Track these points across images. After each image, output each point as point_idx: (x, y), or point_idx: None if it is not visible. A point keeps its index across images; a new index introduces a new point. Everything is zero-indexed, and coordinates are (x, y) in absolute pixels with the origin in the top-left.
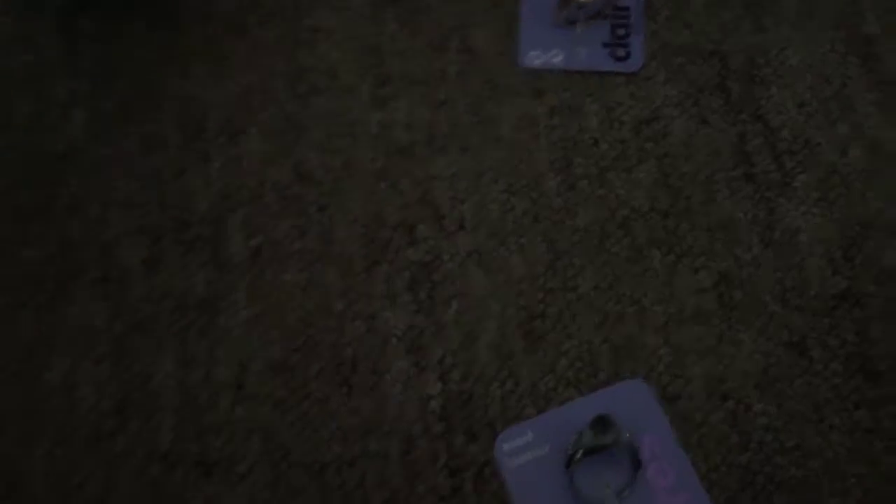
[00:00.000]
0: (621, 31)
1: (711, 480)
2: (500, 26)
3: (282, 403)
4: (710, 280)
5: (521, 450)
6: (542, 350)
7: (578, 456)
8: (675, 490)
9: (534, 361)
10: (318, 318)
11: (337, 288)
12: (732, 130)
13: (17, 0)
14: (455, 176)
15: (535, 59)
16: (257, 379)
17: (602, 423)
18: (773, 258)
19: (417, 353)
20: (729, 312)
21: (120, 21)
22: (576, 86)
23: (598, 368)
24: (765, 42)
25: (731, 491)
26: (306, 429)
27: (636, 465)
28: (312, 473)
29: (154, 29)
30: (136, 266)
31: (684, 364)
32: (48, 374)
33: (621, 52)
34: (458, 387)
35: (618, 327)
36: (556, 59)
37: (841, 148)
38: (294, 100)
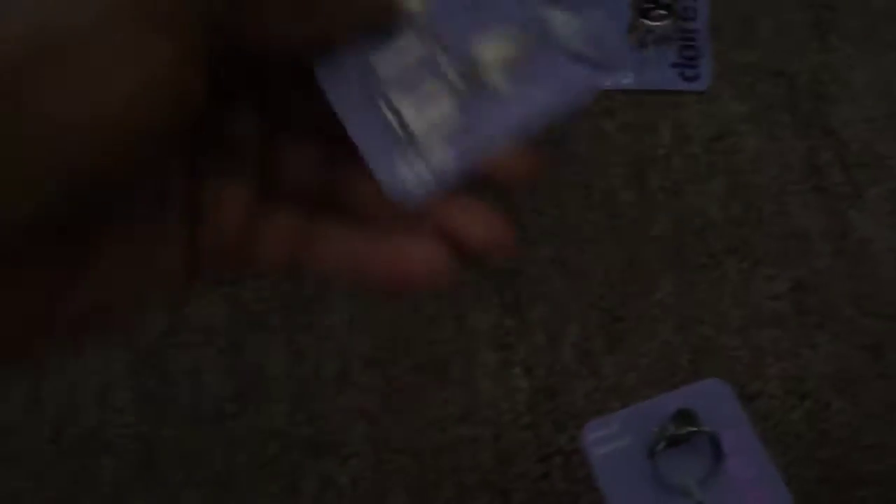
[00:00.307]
0: (689, 52)
1: (790, 474)
2: None
3: (382, 394)
4: (784, 286)
5: (607, 440)
6: (624, 350)
7: (661, 446)
8: (756, 482)
9: (615, 361)
10: (412, 319)
11: (428, 292)
12: (802, 145)
13: None
14: (535, 191)
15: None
16: (359, 372)
17: (684, 415)
18: (845, 267)
19: (504, 350)
20: (804, 317)
21: None
22: (646, 104)
23: (678, 368)
24: (831, 61)
25: (810, 484)
26: (404, 417)
27: (718, 456)
28: (411, 457)
29: None
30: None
31: (762, 365)
32: (175, 364)
33: (690, 73)
34: (544, 382)
35: (696, 329)
36: (626, 80)
37: None
38: None
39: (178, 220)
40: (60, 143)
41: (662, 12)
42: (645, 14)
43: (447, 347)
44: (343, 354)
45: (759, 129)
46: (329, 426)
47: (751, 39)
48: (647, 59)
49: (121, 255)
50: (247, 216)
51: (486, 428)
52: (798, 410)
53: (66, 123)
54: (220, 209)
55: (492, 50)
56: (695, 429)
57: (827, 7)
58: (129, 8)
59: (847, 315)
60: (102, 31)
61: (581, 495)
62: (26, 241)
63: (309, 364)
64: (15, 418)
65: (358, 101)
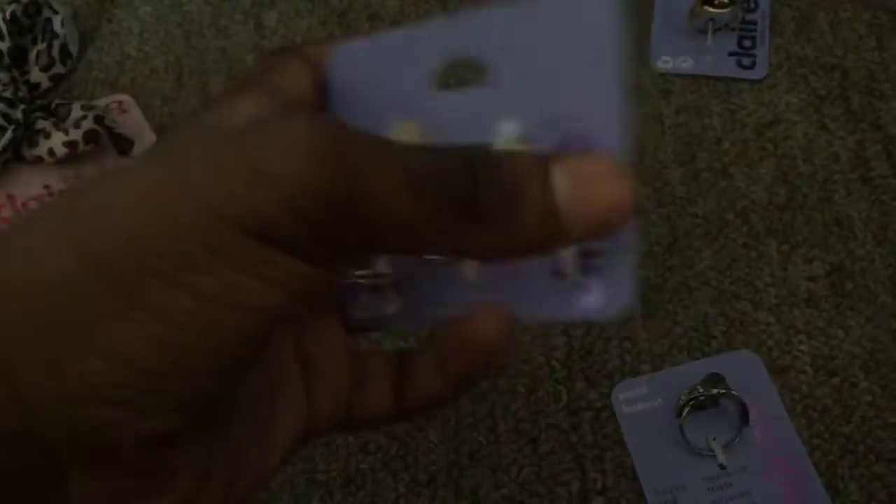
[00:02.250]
0: (747, 43)
1: (813, 445)
2: (635, 34)
3: (423, 340)
4: (822, 269)
5: (636, 400)
6: (660, 318)
7: (689, 406)
8: (779, 450)
9: (651, 326)
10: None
11: None
12: (851, 138)
13: None
14: None
15: (665, 63)
16: None
17: (713, 379)
18: (885, 255)
19: None
20: (840, 300)
21: None
22: (702, 89)
23: (711, 338)
24: (886, 59)
25: (833, 457)
26: None
27: (743, 422)
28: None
29: None
30: None
31: (794, 341)
32: None
33: (747, 61)
34: (581, 342)
35: (732, 304)
36: (685, 64)
37: None
38: None
39: (295, 384)
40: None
41: (725, 1)
42: (708, 2)
43: None
44: None
45: (809, 119)
46: None
47: (809, 33)
48: (706, 46)
49: (247, 436)
50: (352, 361)
51: (521, 380)
52: (825, 386)
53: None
54: (328, 358)
55: None
56: (723, 391)
57: (884, 8)
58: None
59: (882, 301)
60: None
61: (607, 450)
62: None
63: None
64: None
65: None
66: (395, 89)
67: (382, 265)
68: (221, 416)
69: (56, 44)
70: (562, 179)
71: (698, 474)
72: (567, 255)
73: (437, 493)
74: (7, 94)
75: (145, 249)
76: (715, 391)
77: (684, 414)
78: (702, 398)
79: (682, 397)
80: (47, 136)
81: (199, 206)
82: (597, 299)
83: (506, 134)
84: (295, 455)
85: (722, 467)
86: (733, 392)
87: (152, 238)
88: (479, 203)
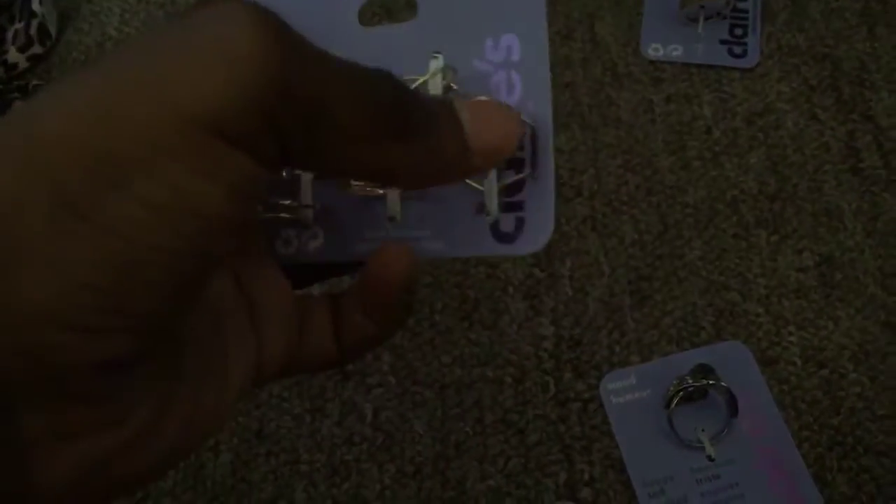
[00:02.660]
0: (739, 31)
1: (802, 437)
2: (625, 20)
3: (410, 329)
4: (812, 260)
5: (624, 391)
6: (649, 307)
7: (678, 397)
8: (767, 442)
9: (640, 317)
10: (446, 262)
11: None
12: (842, 128)
13: None
14: (575, 150)
15: (655, 51)
16: None
17: (703, 370)
18: (875, 246)
19: (533, 300)
20: (829, 291)
21: None
22: (693, 77)
23: (700, 328)
24: (877, 50)
25: (821, 448)
26: (431, 352)
27: (732, 412)
28: (434, 391)
29: None
30: None
31: (783, 332)
32: None
33: (738, 50)
34: (569, 332)
35: (721, 294)
36: (676, 52)
37: None
38: None
39: (247, 329)
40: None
41: None
42: None
43: (477, 293)
44: None
45: (800, 109)
46: None
47: (800, 22)
48: (697, 34)
49: (201, 374)
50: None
51: (509, 370)
52: (815, 378)
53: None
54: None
55: None
56: (712, 381)
57: None
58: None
59: (871, 292)
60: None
61: (595, 441)
62: (118, 375)
63: None
64: None
65: None
66: (323, 24)
67: (306, 196)
68: (175, 348)
69: (34, 23)
70: (464, 115)
71: (686, 466)
72: (490, 192)
73: (423, 485)
74: None
75: (90, 157)
76: (704, 382)
77: (673, 405)
78: (690, 389)
79: (671, 388)
80: None
81: (145, 103)
82: (516, 234)
83: (432, 68)
84: (248, 396)
85: (710, 459)
86: (722, 383)
87: (97, 144)
88: (409, 121)
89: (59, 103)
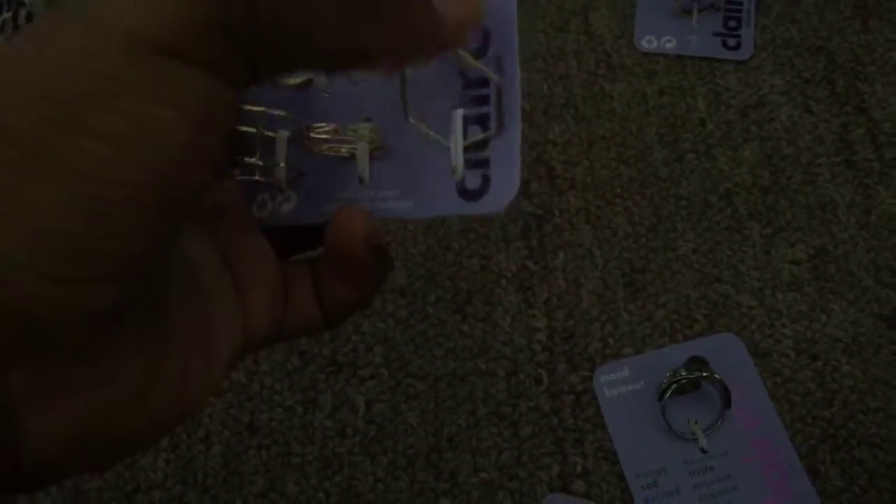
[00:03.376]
0: (733, 23)
1: (795, 429)
2: (618, 12)
3: (403, 322)
4: (805, 253)
5: (618, 383)
6: (642, 300)
7: (671, 390)
8: (760, 434)
9: (633, 309)
10: (439, 254)
11: (456, 229)
12: (836, 121)
13: None
14: (568, 142)
15: (649, 43)
16: (382, 300)
17: (696, 361)
18: (868, 239)
19: (526, 292)
20: (822, 283)
21: None
22: (686, 70)
23: (694, 321)
24: (871, 42)
25: (814, 441)
26: (423, 345)
27: (725, 404)
28: (427, 383)
29: None
30: None
31: (776, 325)
32: None
33: (732, 42)
34: (562, 324)
35: (714, 287)
36: (669, 44)
37: None
38: None
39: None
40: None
41: None
42: None
43: (470, 285)
44: None
45: (794, 101)
46: (349, 347)
47: (794, 15)
48: (690, 26)
49: (188, 341)
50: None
51: (502, 363)
52: (807, 370)
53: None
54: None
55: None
56: (705, 374)
57: None
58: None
59: (865, 284)
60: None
61: (588, 433)
62: (100, 333)
63: None
64: None
65: None
66: None
67: (280, 157)
68: (160, 311)
69: (22, 13)
70: None
71: (679, 458)
72: (456, 149)
73: (416, 477)
74: None
75: (35, 97)
76: (697, 374)
77: (666, 397)
78: (683, 381)
79: (664, 380)
80: None
81: (100, 31)
82: (482, 192)
83: None
84: (238, 362)
85: (703, 451)
86: (715, 375)
87: (52, 83)
88: None
89: (3, 48)
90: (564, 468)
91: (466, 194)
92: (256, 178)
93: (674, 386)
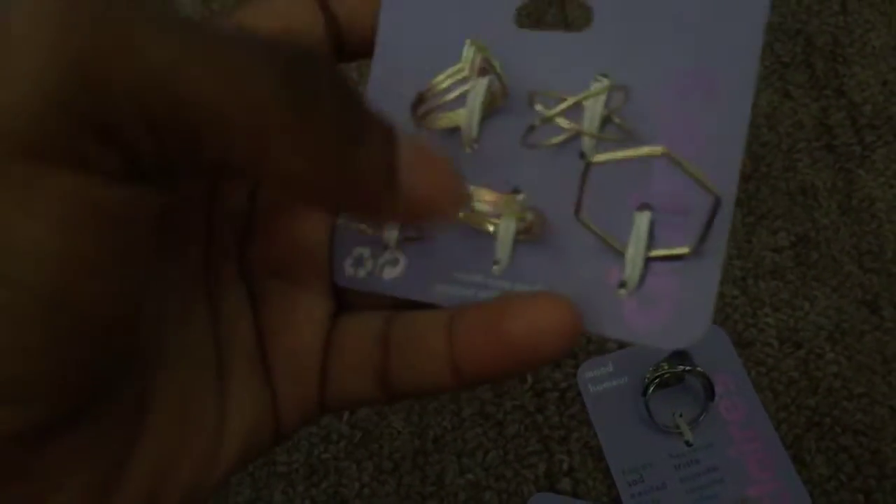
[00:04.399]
0: None
1: (780, 419)
2: None
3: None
4: (787, 240)
5: (602, 379)
6: None
7: (655, 384)
8: (745, 425)
9: None
10: None
11: None
12: (815, 105)
13: None
14: None
15: None
16: None
17: (679, 356)
18: (850, 224)
19: None
20: (805, 270)
21: None
22: None
23: None
24: (850, 24)
25: (799, 429)
26: None
27: (709, 396)
28: None
29: None
30: None
31: (759, 314)
32: None
33: None
34: None
35: None
36: None
37: None
38: None
39: (243, 357)
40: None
41: None
42: None
43: None
44: None
45: (773, 87)
46: None
47: None
48: None
49: (173, 424)
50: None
51: None
52: (791, 358)
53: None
54: (290, 326)
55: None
56: (689, 368)
57: None
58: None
59: (847, 270)
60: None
61: (573, 430)
62: (31, 446)
63: None
64: None
65: None
66: (472, 16)
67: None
68: (131, 403)
69: None
70: (405, 148)
71: (665, 452)
72: (635, 259)
73: (403, 481)
74: None
75: None
76: (680, 368)
77: (650, 392)
78: (667, 375)
79: (648, 375)
80: None
81: None
82: (655, 318)
83: (594, 89)
84: (255, 460)
85: (688, 444)
86: (699, 368)
87: None
88: (319, 114)
89: None
90: (551, 466)
91: (634, 316)
92: (360, 226)
93: (657, 380)
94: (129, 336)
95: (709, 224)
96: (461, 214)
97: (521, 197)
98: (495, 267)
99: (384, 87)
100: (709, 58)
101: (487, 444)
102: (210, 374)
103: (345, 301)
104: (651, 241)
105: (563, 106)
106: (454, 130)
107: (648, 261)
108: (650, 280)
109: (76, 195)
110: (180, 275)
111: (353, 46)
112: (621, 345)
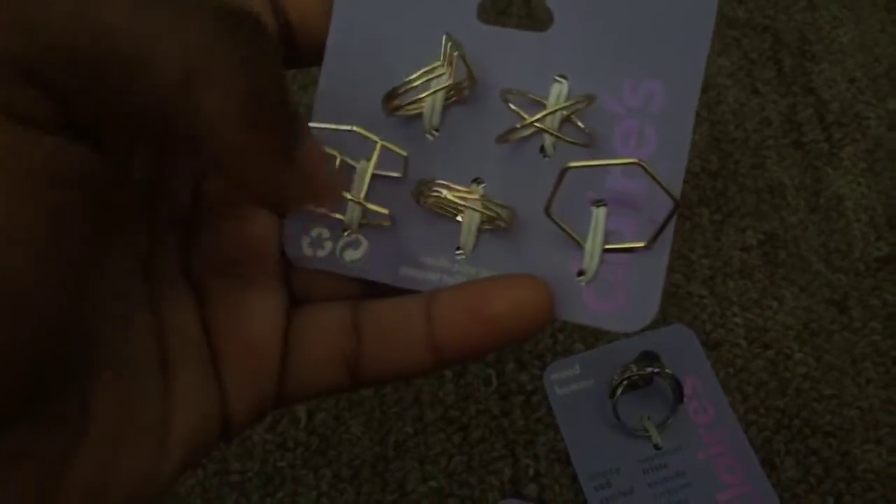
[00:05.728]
0: None
1: (749, 421)
2: None
3: None
4: (755, 239)
5: (569, 381)
6: None
7: (623, 386)
8: (714, 427)
9: None
10: None
11: None
12: (783, 101)
13: None
14: None
15: None
16: None
17: (647, 357)
18: (818, 222)
19: None
20: (773, 269)
21: None
22: None
23: None
24: (817, 20)
25: (768, 431)
26: None
27: (678, 399)
28: (371, 389)
29: None
30: None
31: (727, 314)
32: None
33: None
34: None
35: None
36: None
37: (889, 123)
38: None
39: (188, 353)
40: None
41: None
42: None
43: None
44: None
45: (741, 83)
46: None
47: None
48: None
49: (116, 424)
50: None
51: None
52: (760, 359)
53: None
54: (242, 319)
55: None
56: (657, 369)
57: None
58: None
59: (815, 269)
60: None
61: (539, 434)
62: None
63: None
64: None
65: None
66: (434, 10)
67: (358, 189)
68: (70, 401)
69: None
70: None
71: (633, 456)
72: (593, 250)
73: (362, 489)
74: None
75: None
76: (648, 370)
77: (618, 394)
78: (635, 377)
79: (615, 377)
80: None
81: None
82: (615, 306)
83: (555, 92)
84: (203, 458)
85: (657, 447)
86: (667, 370)
87: None
88: (273, 102)
89: None
90: (516, 472)
91: (591, 301)
92: (319, 211)
93: (625, 382)
94: (67, 328)
95: (665, 223)
96: (429, 201)
97: (482, 187)
98: (459, 253)
99: (339, 79)
100: (657, 67)
101: (451, 450)
102: (153, 373)
103: (300, 295)
104: (608, 235)
105: (542, 114)
106: (418, 117)
107: (605, 252)
108: (606, 270)
109: (4, 145)
110: (121, 272)
111: (305, 50)
112: (588, 346)
